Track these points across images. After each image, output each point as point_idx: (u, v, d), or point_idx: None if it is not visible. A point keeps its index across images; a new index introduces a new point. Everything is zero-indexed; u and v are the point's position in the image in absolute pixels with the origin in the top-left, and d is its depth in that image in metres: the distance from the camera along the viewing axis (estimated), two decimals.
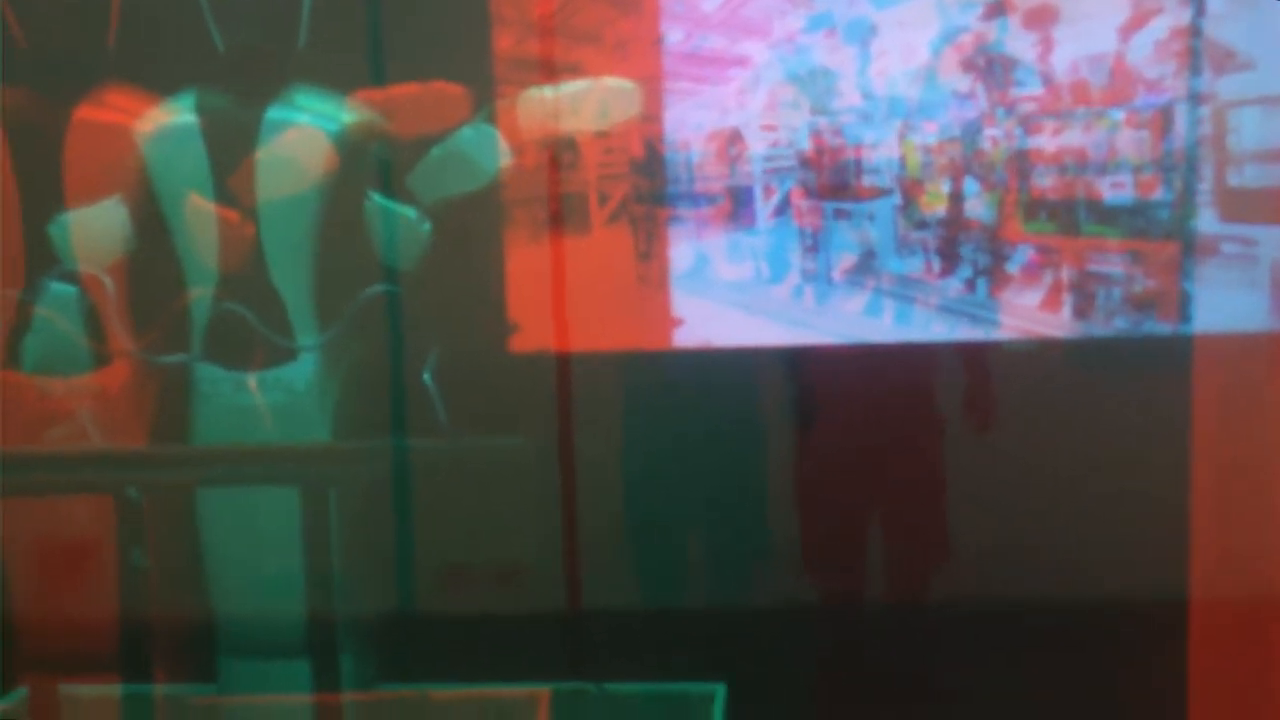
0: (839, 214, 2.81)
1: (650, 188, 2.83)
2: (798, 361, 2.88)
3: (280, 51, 2.66)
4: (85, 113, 2.66)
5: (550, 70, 2.76)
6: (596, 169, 2.84)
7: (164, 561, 2.68)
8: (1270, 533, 2.68)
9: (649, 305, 2.87)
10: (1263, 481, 2.67)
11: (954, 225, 2.77)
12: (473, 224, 2.73)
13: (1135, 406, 2.76)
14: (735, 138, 2.82)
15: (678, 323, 2.87)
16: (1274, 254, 2.66)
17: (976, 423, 2.83)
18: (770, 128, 2.81)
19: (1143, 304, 2.73)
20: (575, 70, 2.75)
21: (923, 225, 2.80)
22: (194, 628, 2.76)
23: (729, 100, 2.81)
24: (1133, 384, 2.78)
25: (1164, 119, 2.68)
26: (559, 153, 2.80)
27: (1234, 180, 2.68)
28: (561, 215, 2.82)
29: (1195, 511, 2.70)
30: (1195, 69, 2.65)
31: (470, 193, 2.66)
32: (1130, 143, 2.70)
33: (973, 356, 2.81)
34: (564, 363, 2.83)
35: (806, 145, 2.80)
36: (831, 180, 2.80)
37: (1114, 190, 2.73)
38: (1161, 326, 2.73)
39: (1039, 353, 2.79)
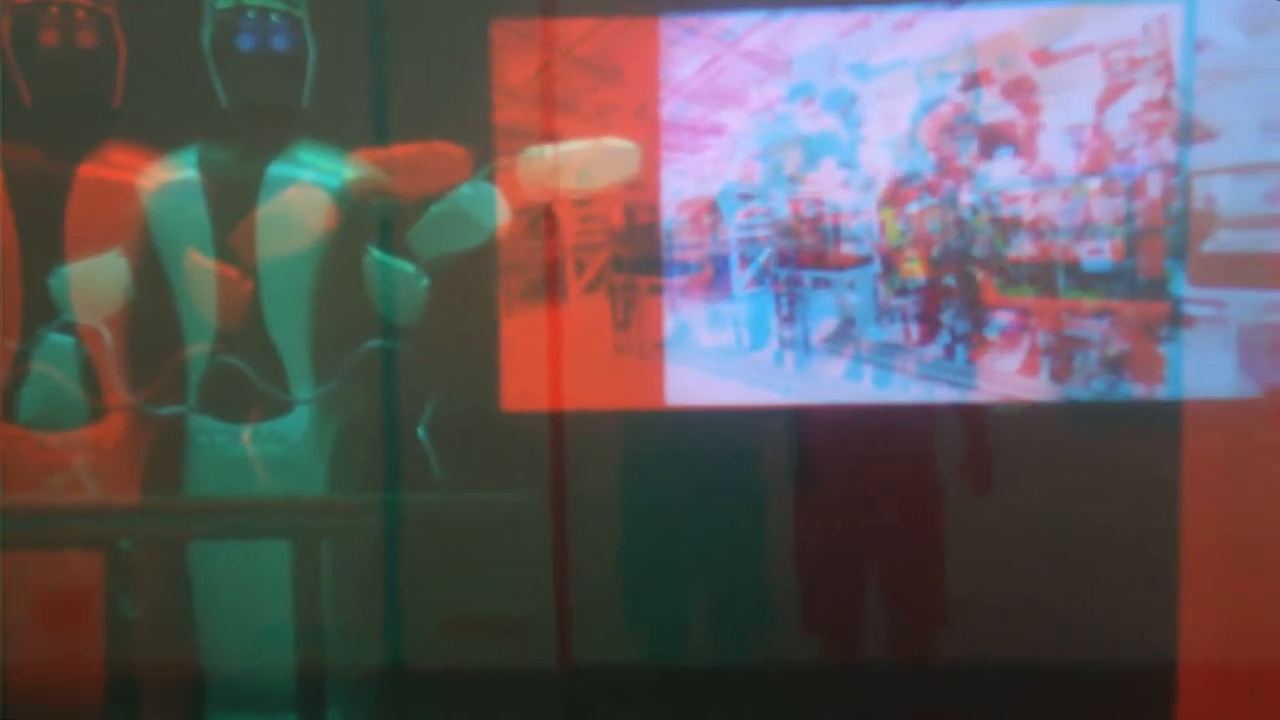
0: (818, 282, 2.86)
1: (631, 255, 2.87)
2: (793, 420, 2.90)
3: (284, 109, 2.70)
4: (89, 169, 2.69)
5: (532, 136, 2.80)
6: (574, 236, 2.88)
7: (154, 613, 2.66)
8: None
9: (637, 369, 2.90)
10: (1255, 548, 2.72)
11: (933, 292, 2.82)
12: (471, 281, 2.76)
13: (1116, 467, 2.80)
14: (711, 206, 2.87)
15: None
16: (1242, 317, 2.73)
17: (974, 483, 2.86)
18: (747, 196, 2.86)
19: (1118, 366, 2.79)
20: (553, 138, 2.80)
21: (902, 292, 2.85)
22: (183, 681, 2.74)
23: (705, 168, 2.86)
24: (1109, 445, 2.82)
25: (1138, 187, 2.75)
26: (553, 213, 2.84)
27: (1206, 246, 2.76)
28: (555, 275, 2.86)
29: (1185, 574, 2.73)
30: (1168, 139, 2.73)
31: (469, 249, 2.70)
32: (1106, 209, 2.77)
33: (968, 417, 2.85)
34: (557, 420, 2.85)
35: (785, 213, 2.85)
36: (810, 248, 2.85)
37: (1091, 256, 2.79)
38: (1136, 388, 2.78)
39: (1025, 415, 2.83)
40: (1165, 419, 2.76)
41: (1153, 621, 2.75)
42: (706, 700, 2.87)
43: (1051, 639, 2.78)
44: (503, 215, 2.72)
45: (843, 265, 2.84)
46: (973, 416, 2.84)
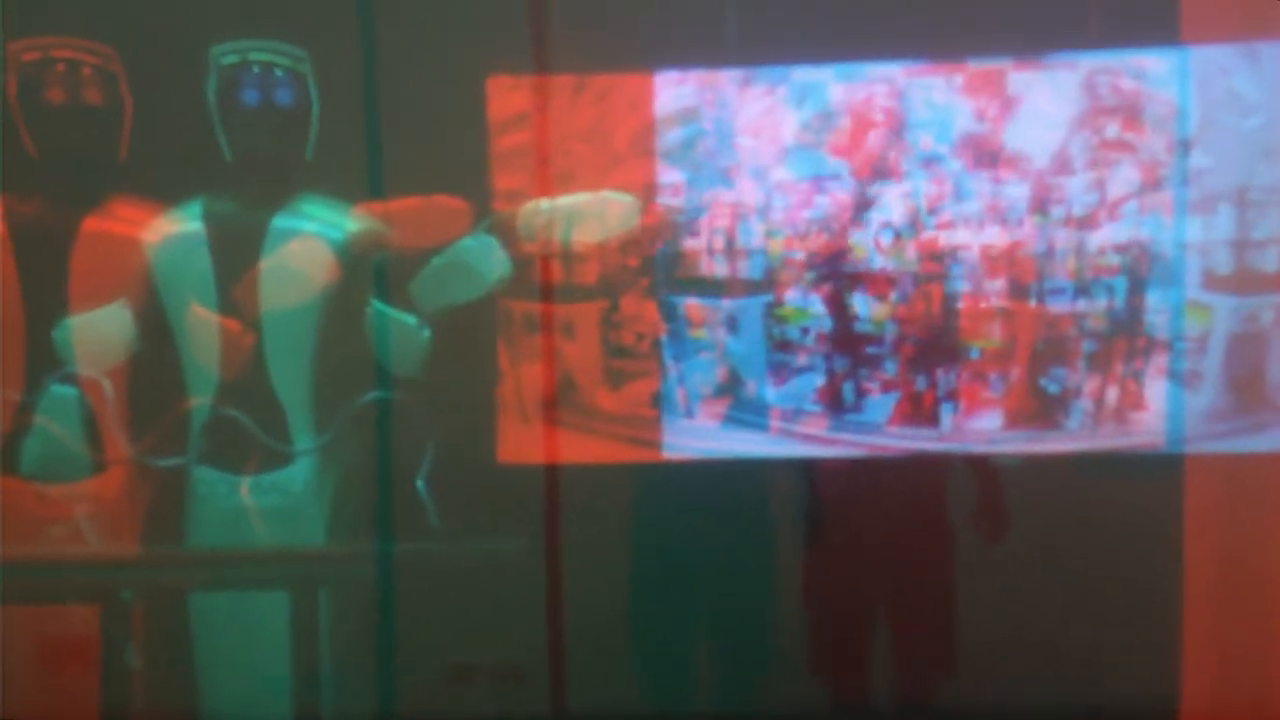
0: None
1: None
2: (793, 471, 2.92)
3: (288, 162, 2.73)
4: (93, 223, 2.71)
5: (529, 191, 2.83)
6: None
7: (155, 664, 2.66)
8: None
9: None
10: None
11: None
12: (471, 332, 2.79)
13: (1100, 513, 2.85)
14: None
15: None
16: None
17: (986, 532, 2.87)
18: None
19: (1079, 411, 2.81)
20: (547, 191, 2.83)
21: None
22: None
23: None
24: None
25: (1093, 219, 2.77)
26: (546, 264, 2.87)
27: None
28: (552, 326, 2.89)
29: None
30: (1125, 172, 2.75)
31: (470, 301, 2.74)
32: (1054, 248, 2.78)
33: (980, 466, 2.85)
34: (552, 472, 2.87)
35: None
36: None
37: (1039, 284, 2.77)
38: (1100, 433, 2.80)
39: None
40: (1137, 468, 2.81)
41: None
42: None
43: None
44: (502, 267, 2.76)
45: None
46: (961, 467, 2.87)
